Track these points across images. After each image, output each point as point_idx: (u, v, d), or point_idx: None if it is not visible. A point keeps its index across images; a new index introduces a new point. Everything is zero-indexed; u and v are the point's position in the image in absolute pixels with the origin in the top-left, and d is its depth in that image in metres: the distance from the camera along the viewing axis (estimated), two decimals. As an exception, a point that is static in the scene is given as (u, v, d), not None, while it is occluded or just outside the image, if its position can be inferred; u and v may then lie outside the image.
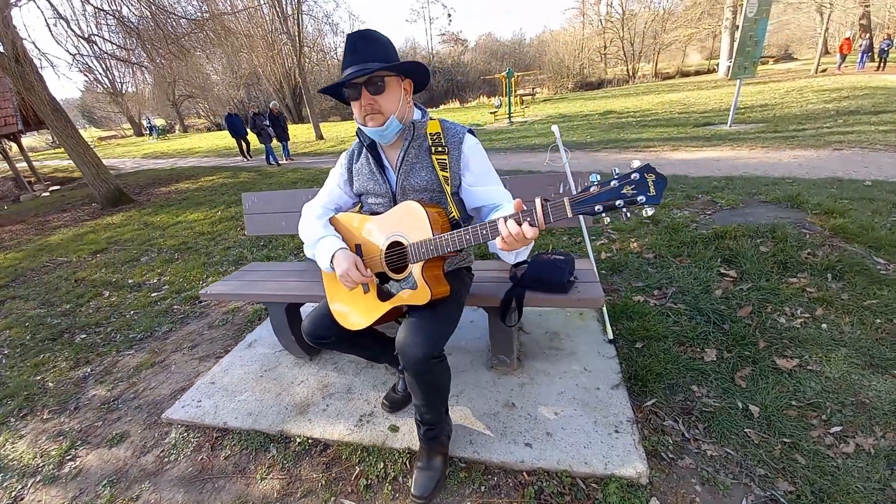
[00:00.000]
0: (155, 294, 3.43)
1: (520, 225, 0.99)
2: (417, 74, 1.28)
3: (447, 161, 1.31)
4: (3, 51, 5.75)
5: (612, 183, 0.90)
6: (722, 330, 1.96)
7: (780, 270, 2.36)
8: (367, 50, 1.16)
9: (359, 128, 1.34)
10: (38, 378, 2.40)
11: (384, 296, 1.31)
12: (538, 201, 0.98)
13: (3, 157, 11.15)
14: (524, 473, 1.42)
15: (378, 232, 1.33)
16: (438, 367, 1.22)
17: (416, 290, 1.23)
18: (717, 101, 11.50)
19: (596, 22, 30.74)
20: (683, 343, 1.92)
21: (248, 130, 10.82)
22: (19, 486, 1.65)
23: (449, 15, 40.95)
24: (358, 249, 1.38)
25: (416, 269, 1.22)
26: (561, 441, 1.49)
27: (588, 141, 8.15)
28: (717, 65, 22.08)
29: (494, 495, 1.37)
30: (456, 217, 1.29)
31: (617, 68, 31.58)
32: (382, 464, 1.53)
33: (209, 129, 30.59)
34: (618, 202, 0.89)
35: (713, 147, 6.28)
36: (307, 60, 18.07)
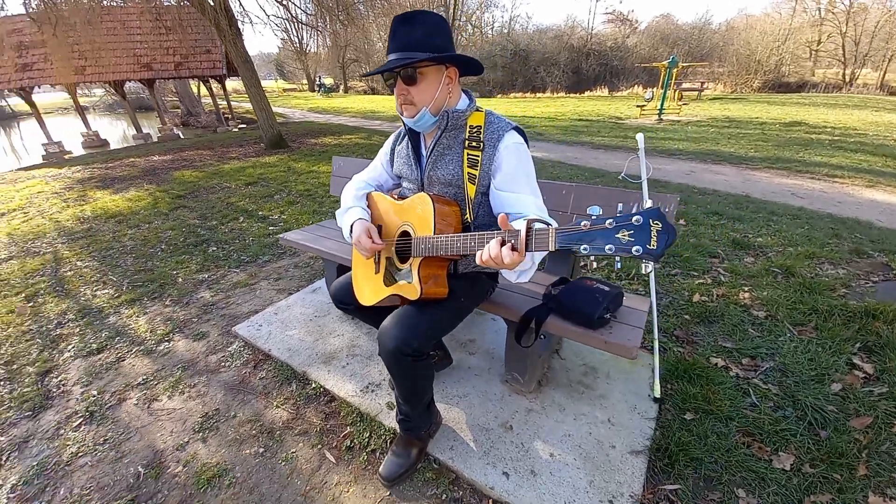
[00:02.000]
0: (272, 228, 4.07)
1: (502, 246, 0.88)
2: (464, 61, 1.20)
3: (479, 158, 1.22)
4: (212, 4, 7.19)
5: (608, 222, 0.72)
6: (815, 436, 1.48)
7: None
8: (408, 35, 1.12)
9: None
10: (174, 273, 3.12)
11: (388, 280, 1.32)
12: (524, 224, 0.85)
13: (210, 94, 14.26)
14: (490, 501, 1.33)
15: (396, 218, 1.33)
16: (411, 364, 1.19)
17: (409, 284, 1.20)
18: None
19: (812, 10, 24.22)
20: (752, 434, 1.51)
21: None
22: (125, 350, 2.20)
23: (621, -9, 36.98)
24: (379, 229, 1.40)
25: (414, 263, 1.20)
26: (542, 485, 1.35)
27: (749, 155, 6.69)
28: None
29: (453, 509, 1.32)
30: (469, 220, 1.21)
31: (830, 70, 24.71)
32: (369, 434, 1.60)
33: (365, 92, 34.09)
34: (608, 247, 0.72)
35: (937, 193, 4.55)
36: (460, 34, 18.40)
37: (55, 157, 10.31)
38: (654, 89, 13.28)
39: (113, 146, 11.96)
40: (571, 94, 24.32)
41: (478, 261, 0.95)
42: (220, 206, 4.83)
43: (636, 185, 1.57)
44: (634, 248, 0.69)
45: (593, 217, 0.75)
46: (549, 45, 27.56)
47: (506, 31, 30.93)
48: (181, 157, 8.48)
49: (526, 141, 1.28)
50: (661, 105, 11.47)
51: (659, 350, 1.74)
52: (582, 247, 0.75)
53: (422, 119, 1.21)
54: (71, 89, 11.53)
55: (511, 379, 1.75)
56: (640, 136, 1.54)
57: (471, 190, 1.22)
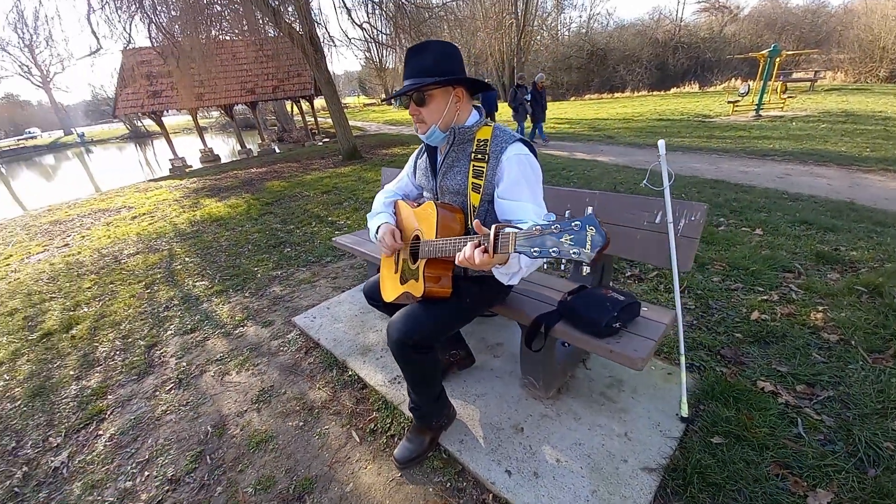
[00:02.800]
0: (337, 232, 4.50)
1: (475, 248, 0.97)
2: (469, 83, 1.31)
3: (483, 169, 1.31)
4: (301, 32, 8.10)
5: (554, 227, 0.78)
6: (862, 475, 1.28)
7: None
8: (419, 63, 1.26)
9: None
10: (255, 269, 3.63)
11: (403, 279, 1.47)
12: (493, 228, 0.93)
13: (300, 113, 15.94)
14: (490, 495, 1.40)
15: (413, 223, 1.47)
16: (415, 356, 1.31)
17: (416, 283, 1.33)
18: None
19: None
20: (790, 467, 1.36)
21: (508, 104, 9.11)
22: (210, 332, 2.65)
23: (718, -23, 33.34)
24: (401, 233, 1.56)
25: (421, 264, 1.33)
26: (542, 487, 1.38)
27: (863, 155, 5.69)
28: None
29: (455, 497, 1.41)
30: (472, 226, 1.30)
31: None
32: (391, 420, 1.76)
33: (438, 102, 35.30)
34: (552, 250, 0.77)
35: None
36: (530, 40, 18.24)
37: (178, 170, 12.39)
38: (752, 82, 11.82)
39: (224, 160, 14.01)
40: (655, 92, 22.58)
41: (456, 261, 1.05)
42: (298, 213, 5.45)
43: (660, 193, 1.51)
44: (573, 251, 0.74)
45: (544, 224, 0.81)
46: (630, 42, 25.96)
47: (584, 31, 29.86)
48: (273, 169, 9.66)
49: (533, 152, 1.34)
50: (760, 99, 10.18)
51: (690, 367, 1.65)
52: (533, 250, 0.80)
53: (433, 135, 1.35)
54: (192, 113, 13.78)
55: (527, 383, 1.78)
56: (661, 143, 1.49)
57: (474, 198, 1.32)
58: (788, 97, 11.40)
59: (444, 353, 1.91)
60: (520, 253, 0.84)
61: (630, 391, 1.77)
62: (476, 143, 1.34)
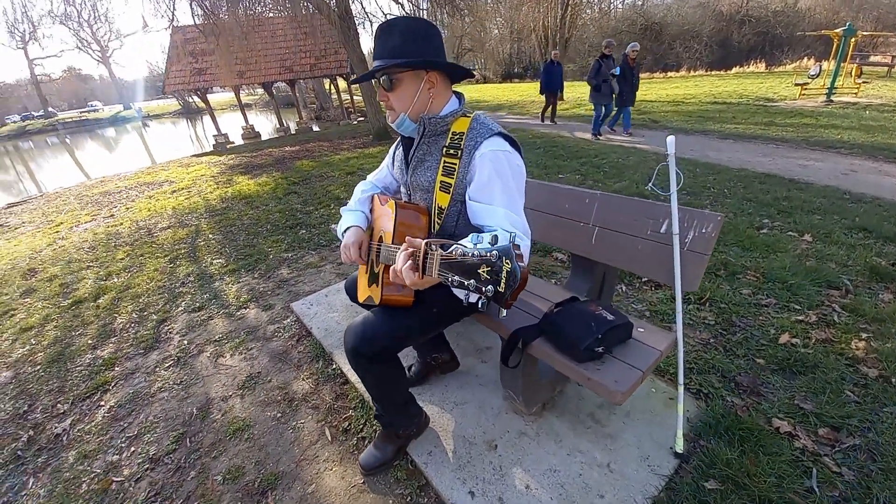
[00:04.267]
0: (353, 215, 4.49)
1: (405, 264, 0.84)
2: (446, 65, 1.15)
3: (455, 166, 1.17)
4: (336, 10, 7.99)
5: (472, 254, 0.64)
6: None
7: None
8: (386, 43, 1.12)
9: None
10: (268, 250, 3.69)
11: (370, 281, 1.38)
12: (424, 244, 0.80)
13: (336, 91, 15.99)
14: (449, 515, 1.32)
15: (380, 222, 1.37)
16: (368, 365, 1.23)
17: (376, 288, 1.24)
18: None
19: None
20: (794, 526, 1.18)
21: (587, 81, 7.11)
22: (215, 311, 2.72)
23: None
24: (371, 232, 1.46)
25: (381, 269, 1.23)
26: (503, 515, 1.28)
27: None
28: None
29: (413, 512, 1.35)
30: (434, 230, 1.18)
31: None
32: (365, 421, 1.71)
33: (478, 82, 34.29)
34: (470, 283, 0.64)
35: None
36: (577, 13, 17.09)
37: (221, 146, 12.91)
38: (825, 63, 10.49)
39: (264, 137, 14.43)
40: (713, 72, 20.65)
41: (390, 277, 0.93)
42: (320, 194, 5.49)
43: (667, 198, 1.31)
44: (487, 288, 0.61)
45: (467, 247, 0.68)
46: (689, 16, 23.75)
47: (639, 2, 27.64)
48: (305, 148, 9.81)
49: (517, 148, 1.19)
50: (832, 83, 9.02)
51: (696, 394, 1.46)
52: (451, 278, 0.68)
53: (402, 124, 1.22)
54: (235, 90, 14.21)
55: (507, 396, 1.67)
56: (670, 140, 1.27)
57: (441, 199, 1.19)
58: (863, 82, 10.03)
59: (427, 356, 1.83)
60: (442, 278, 0.72)
61: (622, 414, 1.61)
62: (451, 136, 1.20)
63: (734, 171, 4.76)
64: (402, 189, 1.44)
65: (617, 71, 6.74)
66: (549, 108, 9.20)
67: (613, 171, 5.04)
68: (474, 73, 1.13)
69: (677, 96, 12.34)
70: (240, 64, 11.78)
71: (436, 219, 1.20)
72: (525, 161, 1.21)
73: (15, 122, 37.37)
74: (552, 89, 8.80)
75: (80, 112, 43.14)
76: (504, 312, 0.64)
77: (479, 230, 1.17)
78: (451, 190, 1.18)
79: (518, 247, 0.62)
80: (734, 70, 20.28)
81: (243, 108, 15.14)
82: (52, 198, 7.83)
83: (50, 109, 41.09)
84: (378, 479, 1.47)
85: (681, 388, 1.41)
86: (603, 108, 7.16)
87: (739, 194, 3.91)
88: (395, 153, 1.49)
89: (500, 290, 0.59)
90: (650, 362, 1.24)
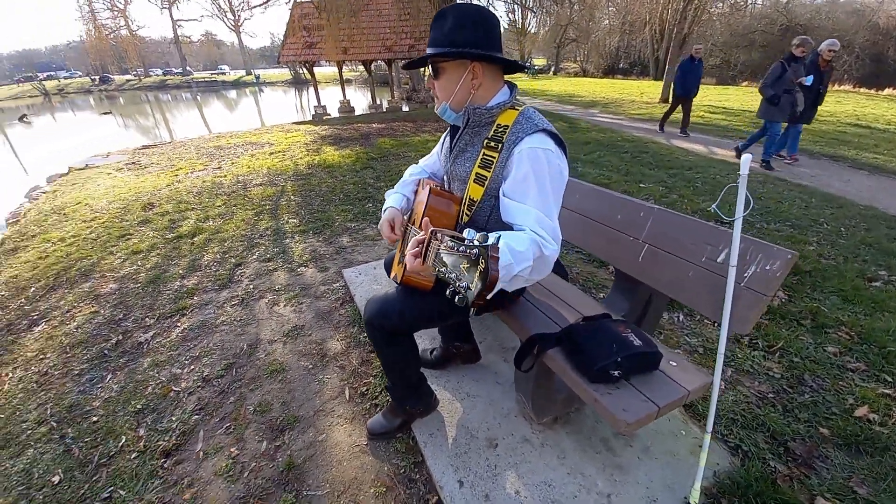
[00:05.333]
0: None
1: (412, 251, 0.87)
2: (489, 58, 1.13)
3: (494, 159, 1.16)
4: None
5: (460, 249, 0.64)
6: None
7: None
8: (438, 30, 1.13)
9: None
10: (336, 217, 3.97)
11: (400, 260, 1.43)
12: (430, 232, 0.82)
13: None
14: (435, 498, 1.36)
15: (418, 206, 1.40)
16: (380, 339, 1.29)
17: (400, 266, 1.29)
18: None
19: None
20: None
21: (760, 90, 5.26)
22: (281, 264, 3.01)
23: None
24: (411, 214, 1.51)
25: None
26: (486, 512, 1.29)
27: None
28: None
29: (403, 486, 1.42)
30: (463, 221, 1.18)
31: None
32: (381, 390, 1.81)
33: (576, 75, 32.54)
34: (452, 275, 0.64)
35: None
36: (703, 6, 15.24)
37: (318, 117, 13.98)
38: None
39: (357, 112, 15.32)
40: (861, 89, 17.25)
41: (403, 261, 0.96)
42: (393, 171, 5.72)
43: (731, 223, 1.16)
44: (462, 285, 0.61)
45: (458, 242, 0.67)
46: (841, 22, 19.96)
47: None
48: (390, 126, 10.22)
49: (562, 148, 1.14)
50: None
51: (735, 449, 1.31)
52: (440, 268, 0.69)
53: (444, 113, 1.24)
54: (338, 65, 15.19)
55: (518, 400, 1.64)
56: (745, 158, 1.10)
57: (474, 191, 1.19)
58: None
59: (450, 343, 1.86)
60: (434, 268, 0.73)
61: (640, 448, 1.50)
62: (495, 127, 1.18)
63: (860, 207, 4.00)
64: (445, 177, 1.46)
65: (808, 80, 5.01)
66: (682, 116, 7.61)
67: (707, 189, 4.51)
68: (529, 66, 1.08)
69: (811, 112, 10.54)
70: (346, 41, 12.53)
71: (465, 210, 1.20)
72: (569, 162, 1.16)
73: (157, 75, 44.26)
74: (687, 92, 7.32)
75: (211, 73, 49.52)
76: (472, 311, 0.64)
77: (509, 228, 1.15)
78: (486, 183, 1.17)
79: (497, 249, 0.61)
80: (886, 91, 16.71)
81: (343, 82, 16.16)
82: (177, 145, 9.17)
83: (188, 68, 47.77)
84: (380, 445, 1.56)
85: (707, 436, 1.27)
86: (780, 126, 5.42)
87: (858, 236, 3.28)
88: (444, 140, 1.52)
89: (471, 288, 0.59)
90: (671, 400, 1.13)
